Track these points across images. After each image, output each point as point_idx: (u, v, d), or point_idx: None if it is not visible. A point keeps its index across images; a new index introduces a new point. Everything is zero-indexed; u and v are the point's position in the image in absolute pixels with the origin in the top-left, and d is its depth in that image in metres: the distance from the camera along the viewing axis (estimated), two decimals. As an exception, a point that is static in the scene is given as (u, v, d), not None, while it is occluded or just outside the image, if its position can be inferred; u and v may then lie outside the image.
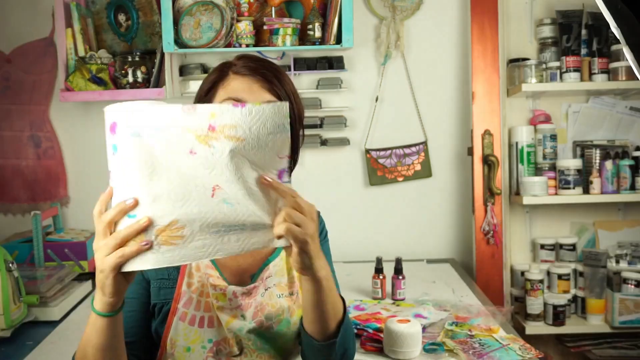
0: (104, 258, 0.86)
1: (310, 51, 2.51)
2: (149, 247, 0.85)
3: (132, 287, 1.08)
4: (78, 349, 0.98)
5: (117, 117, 0.86)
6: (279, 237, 0.91)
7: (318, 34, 2.40)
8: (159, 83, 2.41)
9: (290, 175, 1.20)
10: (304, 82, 2.59)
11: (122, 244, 0.85)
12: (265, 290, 1.13)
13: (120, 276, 0.87)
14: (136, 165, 0.86)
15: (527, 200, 2.42)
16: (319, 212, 1.27)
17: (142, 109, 0.86)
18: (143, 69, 2.41)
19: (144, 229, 0.85)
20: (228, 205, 0.88)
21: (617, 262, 2.39)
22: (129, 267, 0.86)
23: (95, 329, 0.93)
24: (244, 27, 2.36)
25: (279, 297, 1.14)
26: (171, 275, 1.12)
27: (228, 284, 1.12)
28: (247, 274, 1.15)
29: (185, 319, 1.09)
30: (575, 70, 2.45)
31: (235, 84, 1.10)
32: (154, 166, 0.86)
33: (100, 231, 0.87)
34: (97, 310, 0.92)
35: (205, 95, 1.13)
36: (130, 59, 2.41)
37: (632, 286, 2.32)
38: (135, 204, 0.85)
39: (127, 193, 0.86)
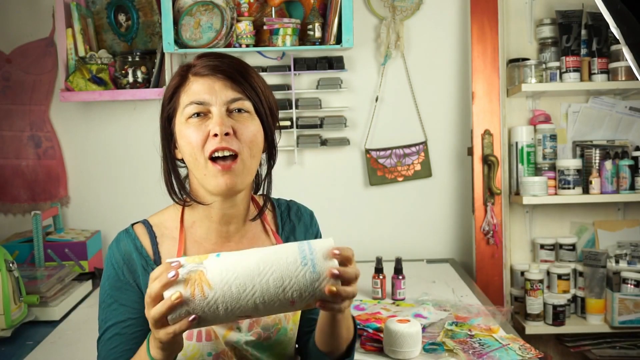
0: (149, 315, 0.88)
1: (310, 51, 2.51)
2: (197, 321, 0.86)
3: (136, 305, 1.07)
4: None
5: None
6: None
7: (318, 34, 2.40)
8: (159, 83, 2.41)
9: (270, 174, 1.16)
10: (304, 82, 2.59)
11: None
12: None
13: (176, 338, 0.90)
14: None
15: (527, 200, 2.42)
16: (312, 213, 1.24)
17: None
18: (143, 69, 2.41)
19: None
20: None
21: (617, 262, 2.39)
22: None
23: None
24: (244, 27, 2.36)
25: None
26: None
27: None
28: None
29: None
30: (575, 71, 2.45)
31: (196, 87, 1.05)
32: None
33: (149, 303, 0.88)
34: (154, 358, 0.94)
35: (169, 103, 1.09)
36: (130, 59, 2.42)
37: (632, 286, 2.32)
38: (180, 302, 0.85)
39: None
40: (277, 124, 1.15)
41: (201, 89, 1.05)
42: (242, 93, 1.06)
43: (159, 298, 0.86)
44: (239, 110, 1.06)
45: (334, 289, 0.87)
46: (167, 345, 0.90)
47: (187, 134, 1.04)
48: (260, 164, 1.14)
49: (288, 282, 0.86)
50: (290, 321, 1.13)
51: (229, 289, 0.85)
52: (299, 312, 1.16)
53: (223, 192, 1.05)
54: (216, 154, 1.03)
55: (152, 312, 0.86)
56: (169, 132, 1.10)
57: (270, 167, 1.17)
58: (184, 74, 1.09)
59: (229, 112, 1.05)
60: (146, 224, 1.14)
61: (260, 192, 1.19)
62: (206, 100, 1.04)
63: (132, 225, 1.14)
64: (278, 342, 1.12)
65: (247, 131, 1.05)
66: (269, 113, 1.10)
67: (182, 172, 1.14)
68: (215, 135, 1.02)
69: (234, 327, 1.08)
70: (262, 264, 0.87)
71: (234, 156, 1.03)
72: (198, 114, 1.04)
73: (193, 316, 0.85)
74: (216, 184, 1.03)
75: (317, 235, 1.23)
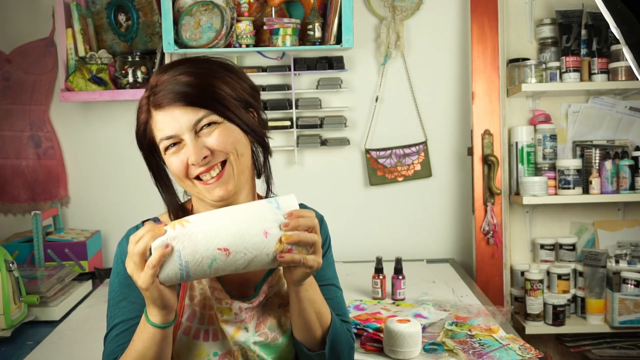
0: (139, 276, 0.93)
1: (310, 51, 2.51)
2: (170, 249, 0.92)
3: (144, 303, 1.06)
4: None
5: None
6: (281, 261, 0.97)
7: (318, 34, 2.40)
8: (159, 83, 2.41)
9: (268, 162, 1.17)
10: (304, 82, 2.59)
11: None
12: (267, 300, 1.13)
13: (164, 288, 0.94)
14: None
15: (527, 200, 2.42)
16: (322, 217, 1.21)
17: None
18: (143, 69, 2.41)
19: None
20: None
21: (617, 262, 2.39)
22: (162, 276, 0.93)
23: (154, 341, 0.98)
24: (244, 27, 2.36)
25: (279, 306, 1.13)
26: None
27: (231, 296, 1.10)
28: (250, 284, 1.13)
29: (189, 332, 1.08)
30: (575, 70, 2.45)
31: (160, 120, 1.04)
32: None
33: (138, 262, 0.93)
34: (155, 323, 0.97)
35: (145, 138, 1.08)
36: (130, 59, 2.42)
37: (632, 286, 2.32)
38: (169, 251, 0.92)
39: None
40: (259, 106, 1.12)
41: (165, 122, 1.03)
42: (205, 109, 1.03)
43: (145, 256, 0.92)
44: (208, 124, 1.03)
45: (282, 245, 0.95)
46: (158, 300, 0.94)
47: (170, 162, 1.07)
48: (257, 154, 1.13)
49: (260, 213, 0.97)
50: None
51: (207, 221, 0.95)
52: None
53: (222, 201, 1.06)
54: (202, 177, 1.05)
55: (148, 262, 0.91)
56: (160, 163, 1.12)
57: (266, 150, 1.14)
58: (146, 106, 1.07)
59: (199, 131, 1.03)
60: (157, 221, 1.15)
61: (262, 176, 1.16)
62: (174, 133, 1.03)
63: (143, 222, 1.14)
64: (285, 344, 1.12)
65: (223, 141, 1.03)
66: (242, 109, 1.07)
67: None
68: (194, 164, 1.03)
69: (241, 327, 1.09)
70: (237, 206, 0.99)
71: (222, 162, 1.05)
72: (174, 144, 1.05)
73: (167, 242, 0.91)
74: (212, 196, 1.05)
75: (326, 240, 1.21)
